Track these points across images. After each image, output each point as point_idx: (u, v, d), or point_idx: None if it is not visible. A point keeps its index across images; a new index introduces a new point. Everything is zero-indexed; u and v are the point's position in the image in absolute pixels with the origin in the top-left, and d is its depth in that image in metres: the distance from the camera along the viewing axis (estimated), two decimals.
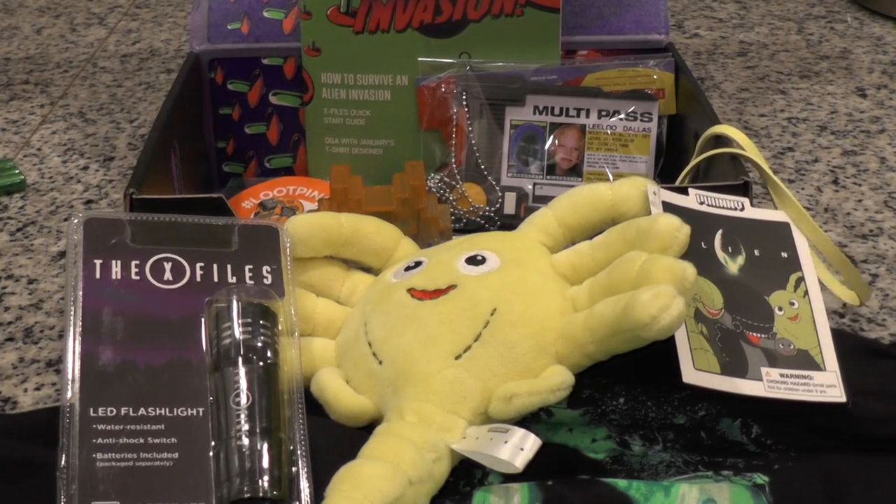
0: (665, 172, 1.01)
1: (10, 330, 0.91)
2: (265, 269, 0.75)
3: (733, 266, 0.78)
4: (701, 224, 0.78)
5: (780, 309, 0.77)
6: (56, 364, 0.87)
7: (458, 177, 0.99)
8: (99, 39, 1.48)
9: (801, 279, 0.78)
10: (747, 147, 0.86)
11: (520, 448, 0.65)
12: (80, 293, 0.71)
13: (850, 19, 1.49)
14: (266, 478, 0.65)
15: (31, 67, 1.40)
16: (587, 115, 0.99)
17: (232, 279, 0.74)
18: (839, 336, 0.77)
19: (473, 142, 0.99)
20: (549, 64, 1.01)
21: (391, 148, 1.04)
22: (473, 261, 0.75)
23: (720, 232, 0.79)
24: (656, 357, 0.71)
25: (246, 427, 0.66)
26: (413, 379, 0.70)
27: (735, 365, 0.72)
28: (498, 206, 0.98)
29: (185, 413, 0.67)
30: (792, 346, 0.74)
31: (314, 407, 0.73)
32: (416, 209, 0.87)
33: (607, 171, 0.98)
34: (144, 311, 0.71)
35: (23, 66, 1.40)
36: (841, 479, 0.69)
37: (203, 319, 0.72)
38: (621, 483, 0.67)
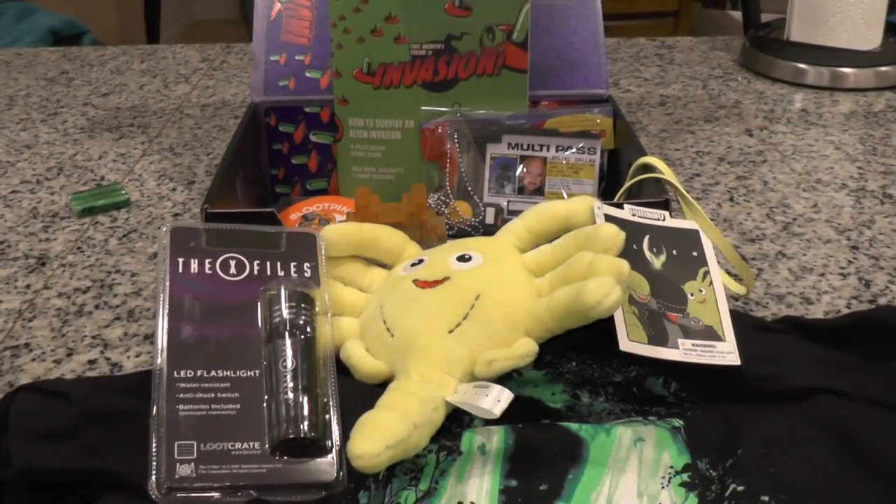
0: (606, 192, 1.00)
1: (118, 311, 0.90)
2: (306, 265, 0.74)
3: (657, 263, 0.77)
4: (633, 231, 0.77)
5: (692, 294, 0.76)
6: (150, 337, 0.86)
7: (451, 196, 0.98)
8: (185, 93, 1.47)
9: (707, 272, 0.78)
10: (667, 173, 0.85)
11: (497, 400, 0.64)
12: (168, 284, 0.70)
13: (741, 79, 1.48)
14: (306, 423, 0.65)
15: (136, 114, 1.39)
16: (548, 150, 0.98)
17: (281, 273, 0.73)
18: (735, 315, 0.76)
19: (463, 170, 0.98)
20: (519, 111, 1.01)
21: (401, 175, 1.03)
22: (462, 259, 0.75)
23: (647, 237, 0.78)
24: (600, 331, 0.70)
25: (291, 385, 0.66)
26: (417, 348, 0.70)
27: (659, 337, 0.72)
28: (481, 218, 0.97)
29: (245, 374, 0.67)
30: (701, 323, 0.74)
31: (343, 369, 0.72)
32: (420, 220, 0.86)
33: (563, 191, 0.97)
34: (215, 297, 0.71)
35: (129, 112, 1.39)
36: (737, 423, 0.69)
37: (259, 303, 0.71)
38: (573, 426, 0.67)
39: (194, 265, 0.72)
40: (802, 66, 1.45)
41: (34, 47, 1.92)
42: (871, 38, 1.44)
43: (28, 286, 0.94)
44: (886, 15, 1.46)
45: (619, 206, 0.80)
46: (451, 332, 0.70)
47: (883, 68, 1.43)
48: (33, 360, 0.83)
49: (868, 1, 1.42)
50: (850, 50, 1.44)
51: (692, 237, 0.80)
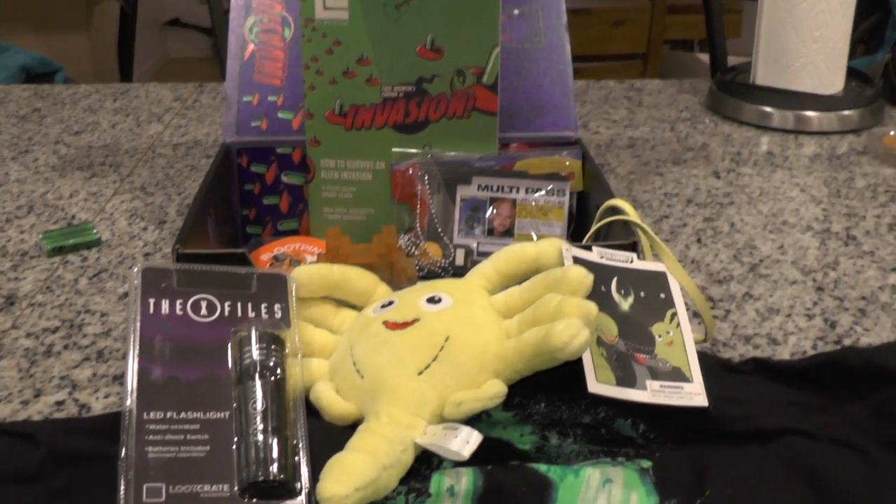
0: (574, 234, 1.00)
1: (87, 351, 0.89)
2: (276, 306, 0.74)
3: (625, 304, 0.77)
4: (601, 273, 0.77)
5: (659, 336, 0.76)
6: (120, 378, 0.85)
7: (421, 237, 0.98)
8: (157, 132, 1.46)
9: (674, 314, 0.78)
10: (634, 215, 0.85)
11: (466, 441, 0.64)
12: (139, 324, 0.70)
13: (708, 121, 1.49)
14: (275, 465, 0.64)
15: (108, 153, 1.38)
16: (517, 192, 0.98)
17: (252, 314, 0.73)
18: (702, 356, 0.77)
19: (433, 211, 0.98)
20: (489, 153, 1.01)
21: (372, 216, 1.03)
22: (432, 300, 0.75)
23: (615, 279, 0.79)
24: (568, 373, 0.70)
25: (261, 426, 0.66)
26: (386, 389, 0.70)
27: (627, 378, 0.72)
28: (451, 259, 0.97)
29: (215, 416, 0.67)
30: (668, 364, 0.74)
31: (312, 411, 0.72)
32: (390, 262, 0.86)
33: (532, 233, 0.98)
34: (186, 338, 0.70)
35: (101, 151, 1.39)
36: (705, 464, 0.69)
37: (229, 344, 0.71)
38: (542, 467, 0.67)
39: (165, 306, 0.71)
40: (768, 109, 1.46)
41: (6, 84, 1.92)
42: (833, 82, 1.46)
43: None
44: (848, 60, 1.48)
45: (588, 248, 0.80)
46: (420, 373, 0.70)
47: (845, 112, 1.45)
48: (0, 401, 0.82)
49: (830, 47, 1.43)
50: (814, 94, 1.45)
51: (660, 279, 0.81)
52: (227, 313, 0.73)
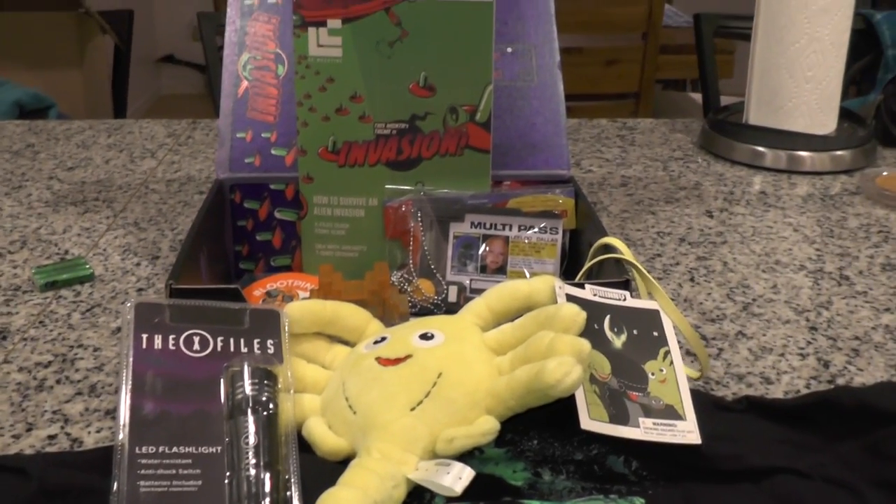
0: (567, 272, 1.01)
1: (79, 386, 0.89)
2: (269, 342, 0.75)
3: (618, 342, 0.78)
4: (594, 311, 0.78)
5: (652, 374, 0.76)
6: (112, 413, 0.85)
7: (413, 274, 0.98)
8: (151, 168, 1.47)
9: (668, 352, 0.78)
10: (627, 254, 0.86)
11: (458, 477, 0.64)
12: (131, 359, 0.70)
13: (701, 160, 1.50)
14: (267, 500, 0.65)
15: (101, 188, 1.39)
16: (510, 229, 0.99)
17: (244, 349, 0.73)
18: (695, 394, 0.77)
19: (426, 248, 0.99)
20: (482, 191, 1.02)
21: (364, 252, 1.04)
22: (425, 337, 0.75)
23: (608, 316, 0.79)
24: (561, 409, 0.71)
25: (253, 461, 0.66)
26: (378, 425, 0.70)
27: (620, 416, 0.72)
28: (444, 296, 0.97)
29: (207, 451, 0.67)
30: (661, 402, 0.74)
31: (304, 446, 0.72)
32: (382, 298, 0.87)
33: (525, 270, 0.98)
34: (178, 374, 0.71)
35: (94, 187, 1.39)
36: (697, 502, 0.69)
37: (222, 379, 0.71)
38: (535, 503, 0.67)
39: (158, 341, 0.72)
40: (761, 149, 1.47)
41: (0, 120, 1.92)
42: (826, 122, 1.47)
43: None
44: (840, 101, 1.50)
45: (581, 285, 0.81)
46: (412, 409, 0.70)
47: (838, 152, 1.46)
48: None
49: (822, 87, 1.45)
50: (807, 134, 1.47)
51: (653, 317, 0.81)
52: (219, 348, 0.73)
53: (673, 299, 1.05)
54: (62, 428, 0.83)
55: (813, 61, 1.43)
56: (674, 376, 0.77)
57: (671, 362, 0.78)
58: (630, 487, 0.70)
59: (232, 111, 1.08)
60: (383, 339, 0.77)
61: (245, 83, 1.09)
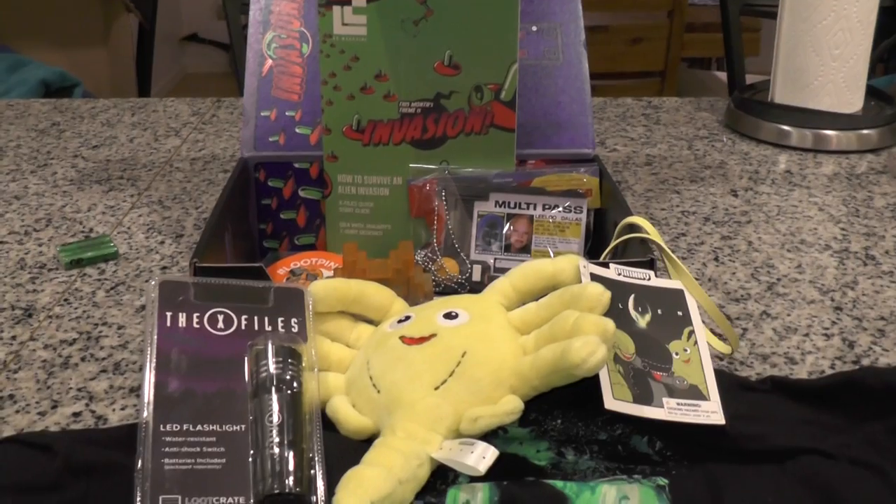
0: (592, 251, 1.01)
1: (104, 364, 0.90)
2: (293, 320, 0.75)
3: (642, 322, 0.78)
4: (618, 290, 0.77)
5: (676, 354, 0.76)
6: (136, 390, 0.86)
7: (438, 253, 0.98)
8: (175, 147, 1.47)
9: (692, 332, 0.78)
10: (652, 233, 0.86)
11: (482, 457, 0.65)
12: (156, 337, 0.70)
13: (726, 139, 1.49)
14: (291, 478, 0.64)
15: (125, 167, 1.39)
16: (535, 208, 0.98)
17: (268, 328, 0.73)
18: (719, 374, 0.77)
19: (450, 227, 0.99)
20: (507, 170, 1.01)
21: (389, 231, 1.04)
22: (449, 316, 0.75)
23: (633, 296, 0.79)
24: (585, 389, 0.71)
25: (277, 440, 0.66)
26: (402, 404, 0.70)
27: (644, 395, 0.72)
28: (468, 275, 0.97)
29: (231, 429, 0.67)
30: (685, 382, 0.74)
31: (328, 424, 0.72)
32: (407, 277, 0.87)
33: (549, 250, 0.98)
34: (202, 352, 0.71)
35: (119, 165, 1.40)
36: (721, 482, 0.69)
37: (246, 358, 0.71)
38: (558, 483, 0.66)
39: (182, 319, 0.72)
40: (786, 127, 1.46)
41: (26, 98, 1.93)
42: (852, 101, 1.46)
43: (14, 337, 0.94)
44: (867, 79, 1.48)
45: (605, 265, 0.80)
46: (436, 388, 0.70)
47: (864, 131, 1.45)
48: (17, 411, 0.83)
49: (849, 65, 1.43)
50: (833, 113, 1.45)
51: (677, 297, 0.81)
52: (243, 327, 0.73)
53: (697, 279, 1.04)
54: (87, 405, 0.84)
55: (840, 39, 1.42)
56: (698, 356, 0.76)
57: (695, 342, 0.77)
58: (654, 468, 0.70)
59: (257, 90, 1.08)
60: (407, 317, 0.77)
61: (270, 62, 1.09)
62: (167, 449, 0.65)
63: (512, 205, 0.99)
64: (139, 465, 0.64)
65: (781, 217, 1.21)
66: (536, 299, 0.77)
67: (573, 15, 1.11)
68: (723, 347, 0.87)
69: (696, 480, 0.69)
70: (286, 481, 0.64)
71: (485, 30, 0.98)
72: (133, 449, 0.65)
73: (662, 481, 0.68)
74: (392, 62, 0.99)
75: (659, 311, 0.79)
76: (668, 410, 0.72)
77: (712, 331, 0.92)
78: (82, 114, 1.65)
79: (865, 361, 0.90)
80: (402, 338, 0.74)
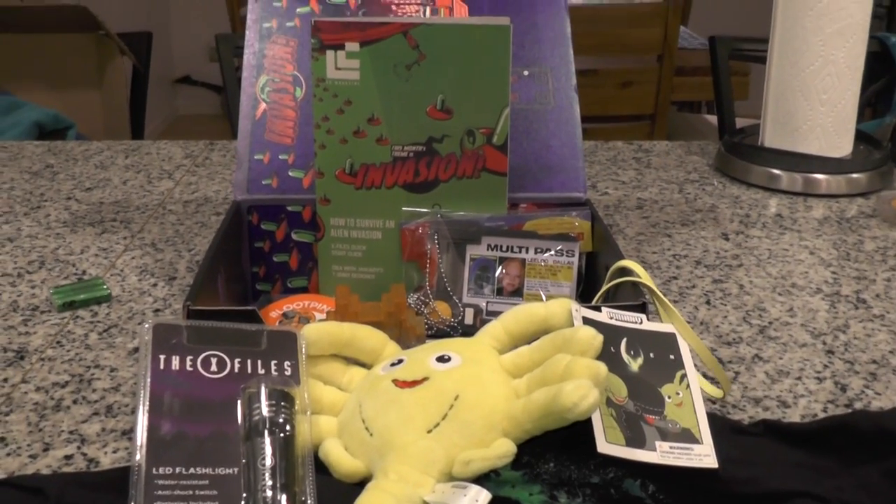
0: (584, 295, 1.01)
1: (96, 406, 0.89)
2: (286, 363, 0.75)
3: (634, 365, 0.78)
4: (610, 334, 0.78)
5: (669, 397, 0.76)
6: (129, 433, 0.85)
7: (430, 296, 0.98)
8: (168, 189, 1.48)
9: (684, 375, 0.78)
10: (643, 276, 0.86)
11: (475, 500, 0.64)
12: (149, 380, 0.70)
13: (716, 183, 1.50)
14: None
15: (118, 209, 1.39)
16: (527, 252, 0.99)
17: (261, 371, 0.73)
18: (712, 418, 0.77)
19: (442, 270, 0.99)
20: (499, 213, 1.02)
21: (381, 274, 1.04)
22: (441, 359, 0.75)
23: (625, 339, 0.79)
24: (577, 432, 0.70)
25: (269, 483, 0.66)
26: (395, 447, 0.70)
27: (636, 439, 0.72)
28: (460, 318, 0.97)
29: (223, 472, 0.67)
30: (678, 426, 0.74)
31: (321, 467, 0.72)
32: (399, 320, 0.87)
33: (541, 293, 0.98)
34: (195, 395, 0.71)
35: (112, 207, 1.40)
36: None
37: (239, 401, 0.71)
38: None
39: (175, 362, 0.72)
40: (776, 171, 1.47)
41: (20, 140, 1.94)
42: (841, 145, 1.47)
43: (6, 380, 0.94)
44: (856, 123, 1.50)
45: (597, 308, 0.81)
46: (429, 431, 0.70)
47: (854, 175, 1.45)
48: (8, 454, 0.82)
49: (838, 110, 1.45)
50: (822, 157, 1.46)
51: (669, 340, 0.81)
52: (236, 370, 0.73)
53: (689, 322, 1.05)
54: (79, 448, 0.83)
55: (828, 84, 1.43)
56: (690, 400, 0.77)
57: (688, 385, 0.77)
58: None
59: (250, 133, 1.08)
60: (400, 361, 0.77)
61: (263, 105, 1.09)
62: (160, 492, 0.65)
63: (504, 248, 0.99)
64: None
65: (772, 260, 1.22)
66: (529, 343, 0.78)
67: (564, 59, 1.12)
68: (714, 392, 0.87)
69: None
70: None
71: (477, 74, 0.98)
72: (125, 492, 0.65)
73: None
74: (385, 106, 0.99)
75: (651, 355, 0.79)
76: (661, 454, 0.72)
77: (704, 375, 0.92)
78: (76, 156, 1.65)
79: (858, 405, 0.90)
80: (394, 381, 0.74)
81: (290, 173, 1.07)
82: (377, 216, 1.02)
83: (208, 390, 0.71)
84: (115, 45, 2.82)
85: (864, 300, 1.11)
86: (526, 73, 1.11)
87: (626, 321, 0.81)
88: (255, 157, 1.08)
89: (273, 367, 0.74)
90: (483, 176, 1.01)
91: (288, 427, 0.70)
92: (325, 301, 1.00)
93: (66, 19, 2.78)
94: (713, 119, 3.04)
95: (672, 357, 0.79)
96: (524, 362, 0.76)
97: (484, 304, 0.98)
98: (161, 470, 0.66)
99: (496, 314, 0.82)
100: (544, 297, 0.98)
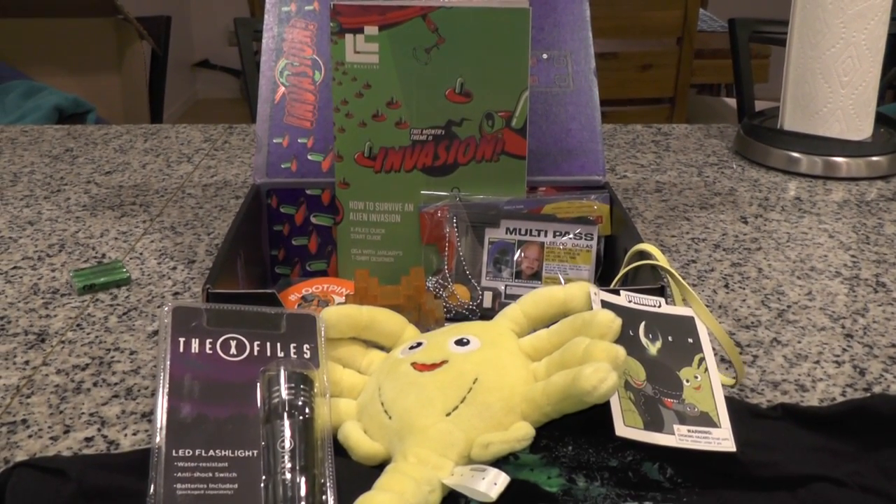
0: (602, 278, 1.01)
1: (116, 389, 0.90)
2: (305, 346, 0.75)
3: (653, 349, 0.77)
4: (629, 317, 0.77)
5: (687, 381, 0.76)
6: (149, 415, 0.86)
7: (449, 279, 0.98)
8: (187, 173, 1.48)
9: (702, 359, 0.78)
10: (662, 260, 0.86)
11: (494, 483, 0.64)
12: (168, 363, 0.70)
13: (735, 166, 1.50)
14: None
15: (138, 192, 1.40)
16: (545, 235, 0.99)
17: (280, 354, 0.73)
18: (730, 401, 0.77)
19: (461, 253, 0.99)
20: (517, 197, 1.02)
21: (400, 257, 1.04)
22: (460, 342, 0.75)
23: (643, 323, 0.79)
24: (596, 416, 0.70)
25: (289, 465, 0.66)
26: (414, 430, 0.70)
27: (654, 422, 0.72)
28: (479, 301, 0.97)
29: (243, 454, 0.67)
30: (696, 409, 0.74)
31: (340, 450, 0.72)
32: (418, 303, 0.87)
33: (560, 276, 0.98)
34: (215, 377, 0.71)
35: (131, 191, 1.40)
36: None
37: (258, 384, 0.71)
38: None
39: (195, 345, 0.72)
40: (796, 154, 1.46)
41: (40, 124, 1.94)
42: (861, 128, 1.46)
43: (27, 362, 0.95)
44: (877, 106, 1.49)
45: (616, 292, 0.80)
46: (448, 414, 0.70)
47: (874, 158, 1.45)
48: (30, 436, 0.83)
49: (858, 92, 1.44)
50: (842, 140, 1.46)
51: (688, 324, 0.81)
52: (256, 353, 0.73)
53: (708, 306, 1.04)
54: (99, 430, 0.84)
55: (849, 66, 1.42)
56: (709, 383, 0.76)
57: (706, 369, 0.77)
58: (665, 494, 0.70)
59: (269, 116, 1.08)
60: (419, 344, 0.77)
61: (282, 89, 1.09)
62: (179, 474, 0.65)
63: (523, 231, 0.99)
64: (151, 490, 0.64)
65: (791, 244, 1.21)
66: (547, 326, 0.78)
67: (583, 42, 1.11)
68: (727, 380, 0.86)
69: None
70: None
71: (496, 58, 0.98)
72: (145, 474, 0.65)
73: None
74: (404, 90, 0.99)
75: (669, 338, 0.79)
76: (679, 437, 0.71)
77: (721, 359, 0.92)
78: (95, 140, 1.66)
79: (877, 389, 0.90)
80: (413, 364, 0.74)
81: (310, 157, 1.07)
82: (396, 199, 1.02)
83: (228, 373, 0.71)
84: (135, 30, 2.83)
85: (884, 283, 1.10)
86: (545, 56, 1.11)
87: (645, 304, 0.81)
88: (275, 141, 1.08)
89: (292, 350, 0.74)
90: (502, 159, 1.01)
91: (307, 410, 0.70)
92: (345, 284, 1.00)
93: (86, 4, 2.78)
94: (733, 102, 3.03)
95: (690, 340, 0.79)
96: (543, 345, 0.76)
97: (502, 287, 0.98)
98: (181, 452, 0.66)
99: (515, 297, 0.82)
100: (563, 281, 0.98)
